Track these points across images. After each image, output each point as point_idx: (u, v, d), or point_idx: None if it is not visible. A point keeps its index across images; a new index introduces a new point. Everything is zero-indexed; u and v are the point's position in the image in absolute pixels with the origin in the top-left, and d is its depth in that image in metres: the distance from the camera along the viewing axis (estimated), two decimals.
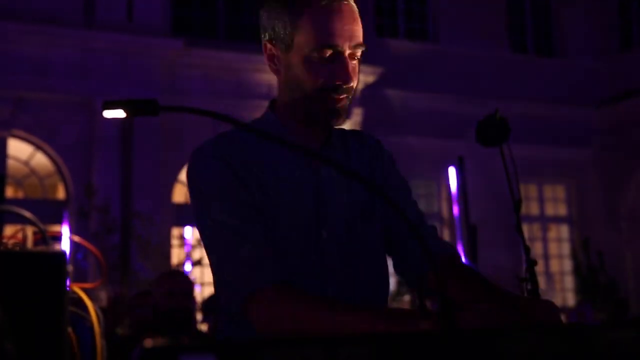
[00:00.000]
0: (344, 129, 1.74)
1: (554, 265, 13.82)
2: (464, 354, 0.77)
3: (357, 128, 11.76)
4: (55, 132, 10.31)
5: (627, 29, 13.98)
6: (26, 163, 10.72)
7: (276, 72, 1.62)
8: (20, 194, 11.24)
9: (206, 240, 1.53)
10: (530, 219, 13.50)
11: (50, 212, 10.22)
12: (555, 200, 14.04)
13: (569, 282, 13.66)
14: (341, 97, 1.54)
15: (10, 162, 10.52)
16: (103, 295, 9.37)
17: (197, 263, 10.60)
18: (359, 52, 1.56)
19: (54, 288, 0.98)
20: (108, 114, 1.17)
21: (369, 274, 1.62)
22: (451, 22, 13.07)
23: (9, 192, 10.95)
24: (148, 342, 0.72)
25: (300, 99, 1.56)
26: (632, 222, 13.40)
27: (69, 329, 0.99)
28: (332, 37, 1.50)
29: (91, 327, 1.04)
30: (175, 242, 10.76)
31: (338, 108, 1.55)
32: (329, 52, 1.51)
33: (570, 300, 13.60)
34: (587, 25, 14.12)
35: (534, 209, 13.73)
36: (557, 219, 13.99)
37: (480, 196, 11.38)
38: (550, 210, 13.97)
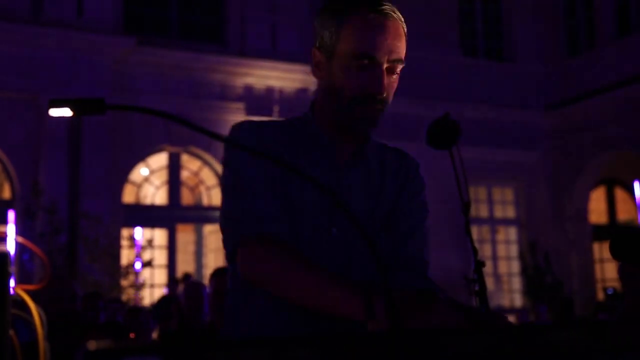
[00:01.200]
0: (386, 144, 1.81)
1: (503, 267, 14.06)
2: (410, 354, 0.77)
3: None
4: (1, 130, 10.07)
5: (574, 35, 14.32)
6: None
7: (319, 77, 1.69)
8: None
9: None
10: (480, 221, 13.71)
11: None
12: (503, 203, 14.28)
13: (517, 283, 13.91)
14: (373, 107, 1.61)
15: None
16: None
17: (147, 264, 10.49)
18: (398, 68, 1.62)
19: None
20: (54, 112, 1.15)
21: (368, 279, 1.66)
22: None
23: None
24: (92, 345, 0.71)
25: (335, 105, 1.63)
26: (577, 223, 13.73)
27: (11, 332, 0.96)
28: (370, 48, 1.57)
29: (34, 330, 1.01)
30: (125, 242, 10.61)
31: (367, 117, 1.61)
32: (366, 62, 1.58)
33: (518, 301, 13.85)
34: (535, 31, 14.42)
35: (483, 211, 13.95)
36: (506, 221, 14.24)
37: (430, 198, 11.45)
38: (499, 212, 14.21)
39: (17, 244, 8.43)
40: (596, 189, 14.44)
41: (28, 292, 1.04)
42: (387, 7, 1.60)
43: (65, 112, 1.12)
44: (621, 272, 1.49)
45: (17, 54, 10.02)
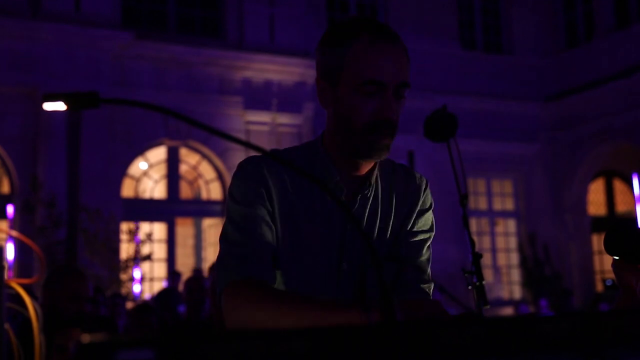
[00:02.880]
0: (395, 164, 1.78)
1: (502, 259, 14.08)
2: (404, 347, 0.78)
3: (309, 122, 11.78)
4: None
5: (573, 27, 14.30)
6: None
7: (326, 106, 1.67)
8: None
9: (222, 233, 1.63)
10: (479, 213, 13.72)
11: None
12: (502, 195, 14.29)
13: (516, 275, 13.93)
14: (385, 134, 1.59)
15: None
16: None
17: (146, 258, 10.50)
18: (404, 91, 1.60)
19: None
20: (48, 106, 1.15)
21: None
22: (402, 18, 13.17)
23: None
24: (85, 338, 0.71)
25: (346, 133, 1.61)
26: (576, 215, 13.74)
27: (6, 325, 0.96)
28: (377, 73, 1.55)
29: (30, 323, 1.01)
30: (124, 236, 10.62)
31: (381, 145, 1.59)
32: (374, 88, 1.56)
33: (517, 292, 13.87)
34: (534, 23, 14.40)
35: (482, 203, 13.95)
36: (505, 213, 14.25)
37: (430, 191, 11.49)
38: (498, 204, 14.22)
39: (14, 239, 8.43)
40: (595, 180, 14.45)
41: (23, 285, 1.04)
42: (391, 32, 1.60)
43: (59, 106, 1.12)
44: (615, 266, 1.49)
45: (15, 48, 10.00)
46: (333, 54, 1.60)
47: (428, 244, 1.76)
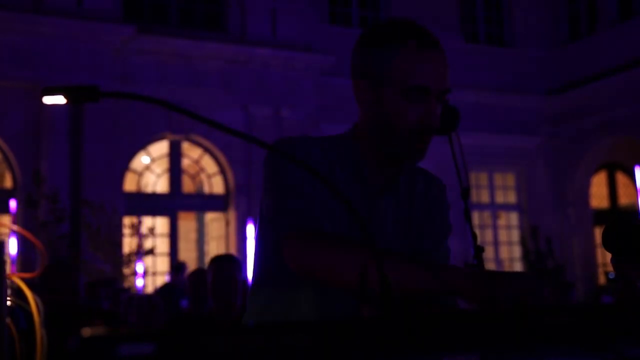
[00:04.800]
0: (414, 167, 1.82)
1: (504, 252, 14.08)
2: (403, 340, 0.78)
3: (311, 116, 11.76)
4: (2, 119, 10.07)
5: (575, 19, 14.26)
6: None
7: (364, 105, 1.71)
8: None
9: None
10: (481, 207, 13.71)
11: None
12: (505, 188, 14.28)
13: (518, 268, 13.93)
14: (427, 139, 1.65)
15: None
16: None
17: (149, 252, 10.51)
18: (444, 96, 1.65)
19: None
20: (48, 100, 1.14)
21: None
22: (404, 11, 13.13)
23: None
24: (86, 331, 0.71)
25: (386, 135, 1.65)
26: (579, 208, 13.73)
27: (8, 319, 0.97)
28: (424, 80, 1.60)
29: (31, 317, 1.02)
30: (126, 231, 10.63)
31: (420, 149, 1.65)
32: (419, 94, 1.60)
33: None
34: (536, 16, 14.36)
35: (484, 196, 13.94)
36: (507, 207, 14.25)
37: None
38: (500, 197, 14.21)
39: (16, 233, 8.45)
40: (597, 173, 14.42)
41: (25, 280, 1.04)
42: (434, 38, 1.64)
43: (59, 99, 1.12)
44: (614, 262, 1.50)
45: (18, 42, 10.00)
46: (377, 56, 1.64)
47: (446, 242, 1.82)
